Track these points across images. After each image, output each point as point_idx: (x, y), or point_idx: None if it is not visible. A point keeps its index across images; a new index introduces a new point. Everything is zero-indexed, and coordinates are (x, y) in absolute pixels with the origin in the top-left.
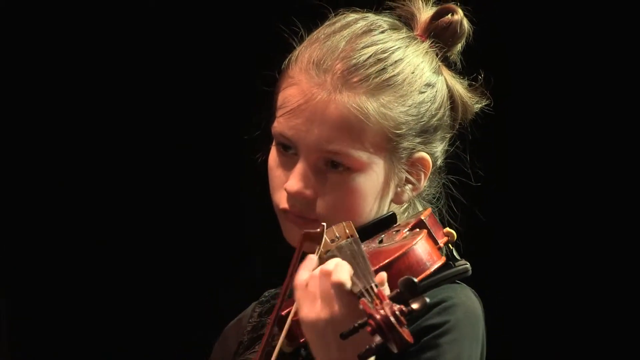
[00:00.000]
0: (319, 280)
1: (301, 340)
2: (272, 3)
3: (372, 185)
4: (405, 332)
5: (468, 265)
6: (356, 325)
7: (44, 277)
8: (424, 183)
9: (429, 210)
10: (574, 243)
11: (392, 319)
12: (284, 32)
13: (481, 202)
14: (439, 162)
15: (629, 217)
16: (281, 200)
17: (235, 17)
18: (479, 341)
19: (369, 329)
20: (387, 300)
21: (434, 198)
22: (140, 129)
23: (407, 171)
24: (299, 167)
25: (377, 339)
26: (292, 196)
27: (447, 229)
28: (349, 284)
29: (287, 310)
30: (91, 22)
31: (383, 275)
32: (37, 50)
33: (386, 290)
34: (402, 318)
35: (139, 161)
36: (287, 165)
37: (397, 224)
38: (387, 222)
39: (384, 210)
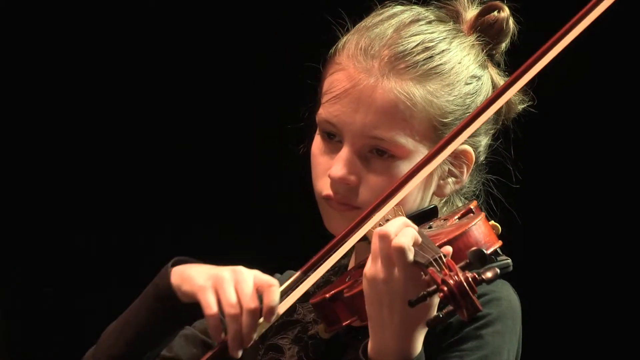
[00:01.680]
0: (380, 241)
1: (344, 324)
2: None
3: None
4: (476, 300)
5: (510, 261)
6: (425, 292)
7: (43, 278)
8: (466, 177)
9: (475, 202)
10: (609, 246)
11: (465, 285)
12: (332, 23)
13: (519, 202)
14: (481, 157)
15: None
16: (324, 187)
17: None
18: (517, 336)
19: (440, 295)
20: (458, 269)
21: (473, 195)
22: (140, 128)
23: (451, 163)
24: (344, 153)
25: (447, 307)
26: (335, 182)
27: (493, 222)
28: (410, 253)
29: (332, 292)
30: (110, 21)
31: (449, 247)
32: (37, 50)
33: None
34: (474, 285)
35: (137, 161)
36: (331, 152)
37: (439, 217)
38: (429, 214)
39: (426, 202)
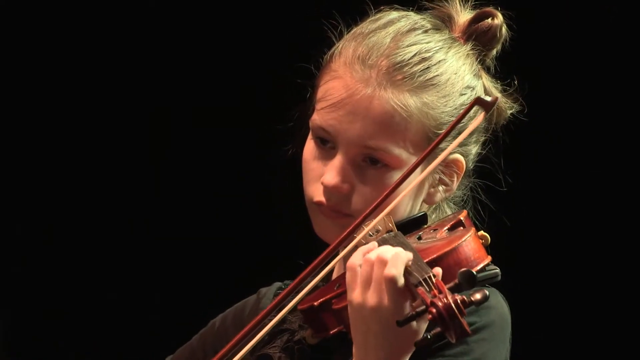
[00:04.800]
0: (374, 267)
1: (331, 332)
2: None
3: (408, 184)
4: (465, 322)
5: (498, 270)
6: (414, 313)
7: (44, 280)
8: (456, 185)
9: (465, 212)
10: (600, 250)
11: (454, 307)
12: (325, 26)
13: (507, 206)
14: (470, 164)
15: None
16: (316, 193)
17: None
18: (505, 345)
19: (429, 316)
20: (447, 290)
21: (461, 201)
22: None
23: (442, 172)
24: (337, 161)
25: (435, 329)
26: (328, 190)
27: (482, 232)
28: (401, 280)
29: (320, 300)
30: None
31: (438, 269)
32: (37, 50)
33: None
34: (463, 308)
35: (134, 163)
36: (324, 158)
37: (428, 224)
38: (418, 222)
39: (416, 209)
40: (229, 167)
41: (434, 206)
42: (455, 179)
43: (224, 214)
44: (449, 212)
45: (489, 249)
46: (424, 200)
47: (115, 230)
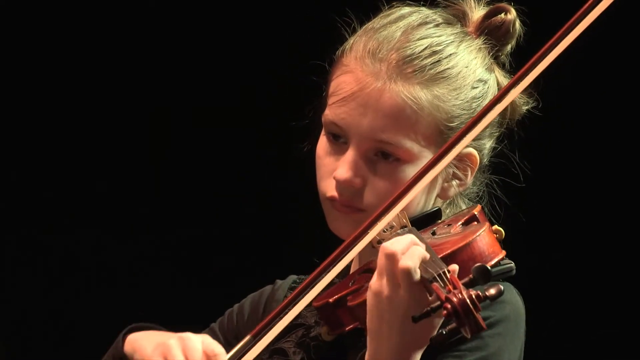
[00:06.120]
0: (384, 260)
1: (347, 329)
2: None
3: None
4: (480, 318)
5: (513, 265)
6: (429, 309)
7: (44, 280)
8: (470, 179)
9: (480, 206)
10: (612, 245)
11: (469, 303)
12: (338, 22)
13: (522, 202)
14: (485, 159)
15: None
16: (328, 188)
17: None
18: (520, 340)
19: (444, 312)
20: (462, 286)
21: (476, 197)
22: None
23: (455, 166)
24: (349, 156)
25: (451, 324)
26: (340, 184)
27: (496, 226)
28: (417, 274)
29: (335, 297)
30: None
31: (455, 266)
32: (37, 50)
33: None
34: (478, 303)
35: (139, 161)
36: (337, 154)
37: (443, 219)
38: (432, 217)
39: (430, 205)
40: (229, 167)
41: (448, 201)
42: (469, 173)
43: (224, 214)
44: (463, 207)
45: (503, 243)
46: (437, 195)
47: (115, 230)
